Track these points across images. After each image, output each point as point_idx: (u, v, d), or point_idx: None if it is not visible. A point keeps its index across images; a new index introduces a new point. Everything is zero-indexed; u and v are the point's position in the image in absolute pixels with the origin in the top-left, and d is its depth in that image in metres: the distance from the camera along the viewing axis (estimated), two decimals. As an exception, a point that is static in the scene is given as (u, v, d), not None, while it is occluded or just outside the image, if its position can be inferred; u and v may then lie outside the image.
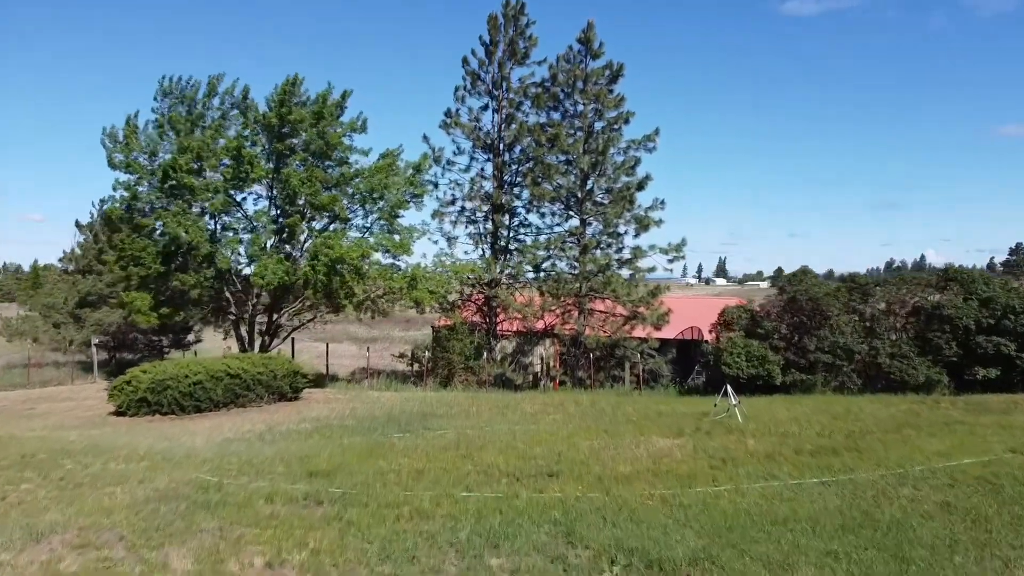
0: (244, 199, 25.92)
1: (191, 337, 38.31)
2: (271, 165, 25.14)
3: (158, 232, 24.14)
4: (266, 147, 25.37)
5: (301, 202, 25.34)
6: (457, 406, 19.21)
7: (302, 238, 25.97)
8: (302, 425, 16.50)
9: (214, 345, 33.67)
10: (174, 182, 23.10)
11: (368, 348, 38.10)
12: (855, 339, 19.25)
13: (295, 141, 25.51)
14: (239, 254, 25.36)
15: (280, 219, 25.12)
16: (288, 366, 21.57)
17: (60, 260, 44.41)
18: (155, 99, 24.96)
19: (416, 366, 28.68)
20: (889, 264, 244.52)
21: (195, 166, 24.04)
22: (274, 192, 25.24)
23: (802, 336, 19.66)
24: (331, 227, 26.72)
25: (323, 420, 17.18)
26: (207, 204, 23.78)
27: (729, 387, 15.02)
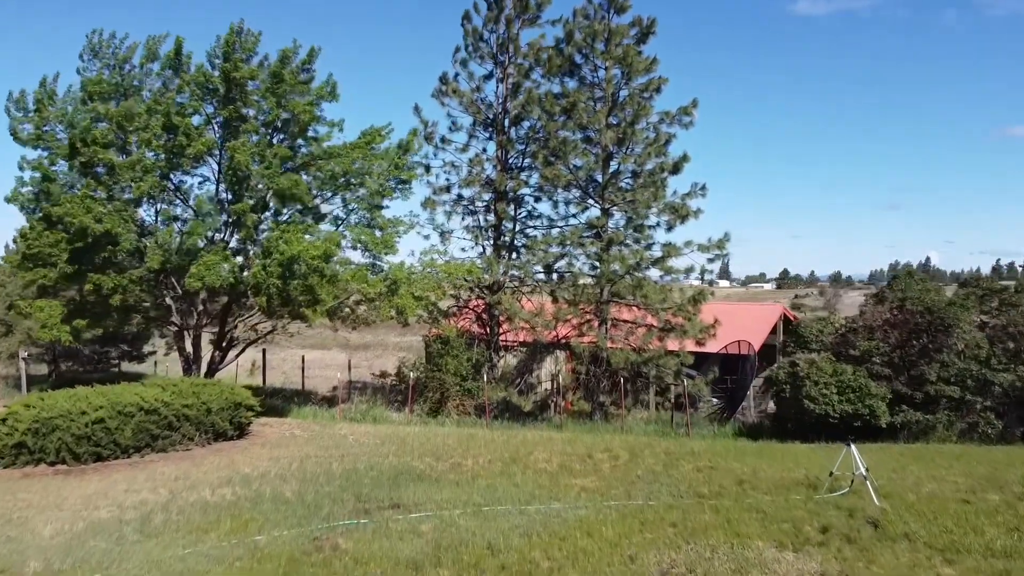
0: (182, 182, 20.94)
1: (148, 347, 33.38)
2: (218, 139, 20.13)
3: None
4: (214, 117, 20.36)
5: (260, 186, 20.37)
6: (446, 454, 14.15)
7: (262, 233, 20.88)
8: (220, 492, 11.43)
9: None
10: (85, 159, 18.02)
11: (350, 362, 33.06)
12: (995, 365, 14.21)
13: (249, 111, 20.52)
14: (181, 251, 20.35)
15: (229, 207, 20.08)
16: (228, 396, 16.52)
17: (2, 258, 39.41)
18: (81, 59, 19.94)
19: (403, 386, 23.67)
20: (893, 266, 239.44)
21: (118, 139, 19.01)
22: (221, 172, 20.21)
23: (915, 360, 14.59)
24: (300, 220, 21.76)
25: (255, 482, 12.11)
26: (133, 187, 18.68)
27: (855, 449, 9.91)
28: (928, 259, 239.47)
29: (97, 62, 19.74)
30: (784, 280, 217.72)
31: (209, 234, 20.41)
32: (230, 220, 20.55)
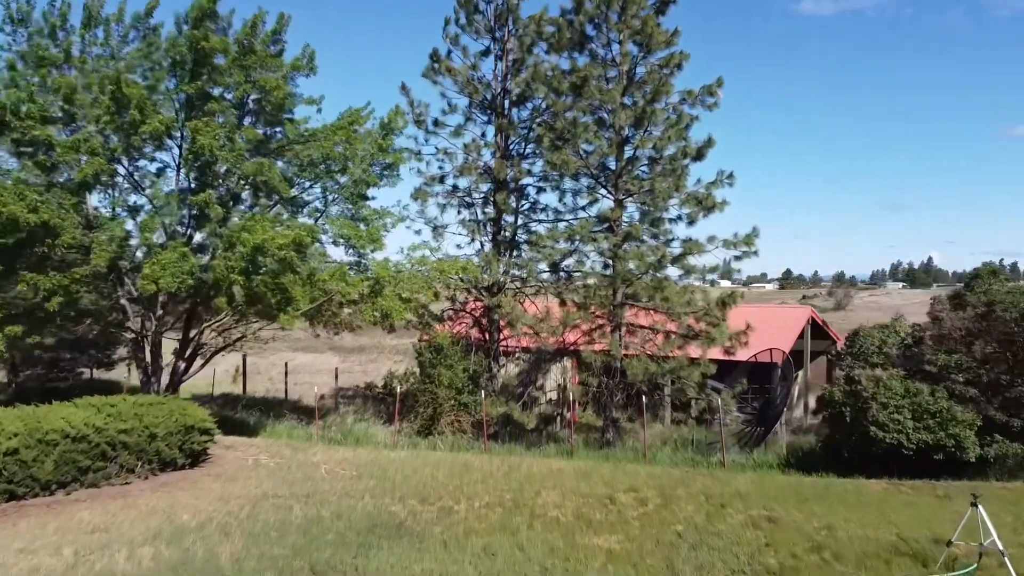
0: (140, 168, 18.33)
1: (121, 352, 30.75)
2: (181, 120, 17.54)
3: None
4: (175, 95, 17.77)
5: (226, 172, 17.89)
6: (435, 493, 11.56)
7: (230, 226, 18.29)
8: (139, 555, 8.86)
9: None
10: (18, 135, 15.43)
11: (337, 370, 30.53)
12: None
13: (216, 90, 18.03)
14: (134, 247, 17.81)
15: (190, 197, 17.49)
16: (179, 418, 13.92)
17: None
18: (2, 30, 17.37)
19: (392, 398, 21.07)
20: (895, 266, 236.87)
21: (65, 116, 16.46)
22: (182, 158, 17.63)
23: (1005, 378, 12.01)
24: (276, 212, 19.27)
25: (189, 536, 9.52)
26: (76, 171, 16.11)
27: (983, 512, 7.33)
28: (930, 259, 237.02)
29: (23, 30, 17.14)
30: (787, 280, 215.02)
31: (169, 228, 17.89)
32: (194, 212, 17.99)
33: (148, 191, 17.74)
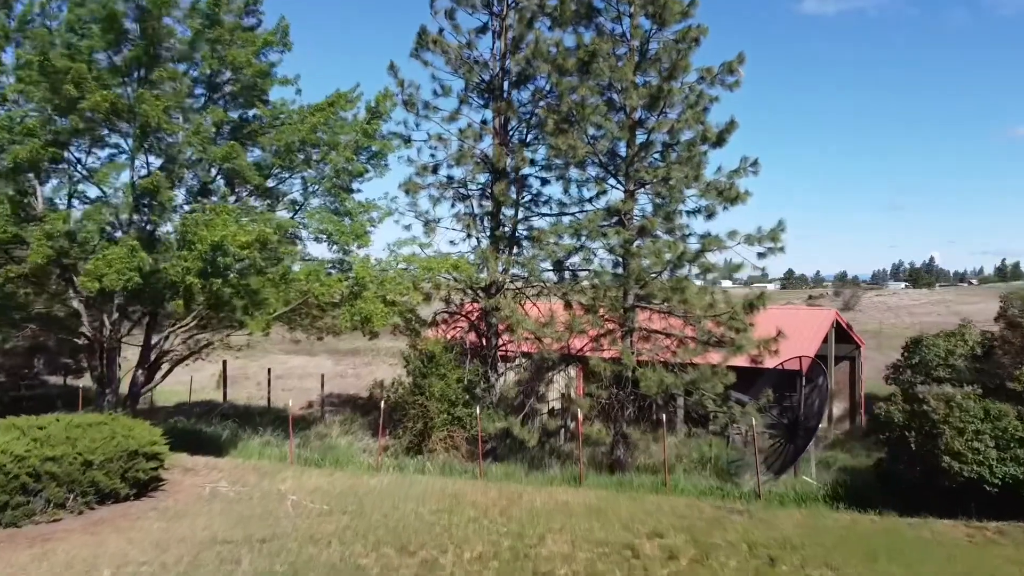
0: (95, 150, 16.34)
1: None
2: (131, 94, 15.49)
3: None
4: (127, 72, 15.70)
5: (191, 158, 15.90)
6: (417, 538, 9.51)
7: (189, 221, 16.19)
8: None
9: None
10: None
11: (323, 376, 28.52)
12: None
13: (180, 66, 16.04)
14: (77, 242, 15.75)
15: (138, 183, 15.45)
16: (121, 441, 11.88)
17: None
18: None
19: (377, 412, 19.01)
20: (897, 266, 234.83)
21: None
22: (134, 135, 15.58)
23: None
24: (251, 205, 17.32)
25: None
26: (7, 155, 14.07)
27: None
28: (932, 259, 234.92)
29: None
30: (789, 280, 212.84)
31: (124, 221, 15.88)
32: (153, 202, 15.95)
33: (95, 178, 15.72)
